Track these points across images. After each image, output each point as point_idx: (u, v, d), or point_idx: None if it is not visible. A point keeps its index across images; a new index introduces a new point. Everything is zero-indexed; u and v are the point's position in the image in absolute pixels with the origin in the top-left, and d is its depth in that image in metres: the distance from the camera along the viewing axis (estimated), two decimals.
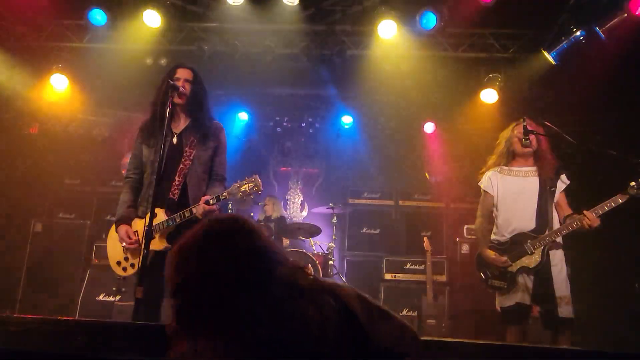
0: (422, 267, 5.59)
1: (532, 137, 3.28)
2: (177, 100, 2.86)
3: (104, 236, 6.19)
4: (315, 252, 6.14)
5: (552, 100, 5.65)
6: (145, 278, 2.82)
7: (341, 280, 6.24)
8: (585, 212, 3.02)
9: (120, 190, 7.04)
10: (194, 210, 2.71)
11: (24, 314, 4.53)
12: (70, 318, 1.28)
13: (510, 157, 3.40)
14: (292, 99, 7.35)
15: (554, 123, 3.53)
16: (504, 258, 3.18)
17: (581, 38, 4.70)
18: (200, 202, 2.71)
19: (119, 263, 2.88)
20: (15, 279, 5.83)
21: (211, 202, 2.69)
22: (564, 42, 4.84)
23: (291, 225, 6.55)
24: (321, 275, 5.52)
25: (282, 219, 6.77)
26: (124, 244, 2.83)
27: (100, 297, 5.62)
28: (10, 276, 5.86)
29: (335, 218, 6.36)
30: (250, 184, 2.64)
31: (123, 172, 6.84)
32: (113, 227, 2.93)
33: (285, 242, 6.59)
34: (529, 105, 5.58)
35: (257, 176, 2.66)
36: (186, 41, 5.73)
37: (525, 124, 3.30)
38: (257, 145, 7.72)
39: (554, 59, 4.97)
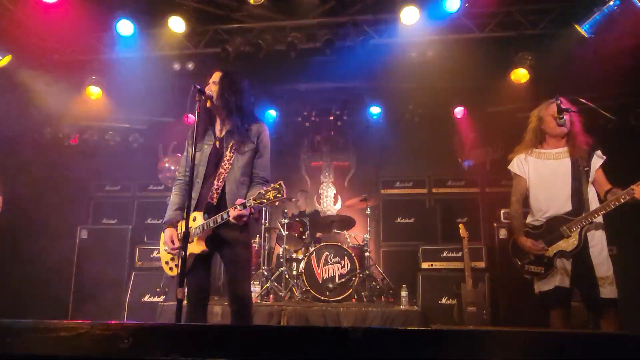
0: (460, 254, 5.52)
1: (566, 115, 3.16)
2: (208, 104, 2.90)
3: (145, 239, 6.42)
4: (350, 244, 6.16)
5: (587, 76, 5.43)
6: (188, 280, 2.92)
7: (378, 271, 6.24)
8: (634, 186, 2.85)
9: (158, 194, 7.32)
10: (230, 213, 2.72)
11: (76, 319, 4.77)
12: (118, 322, 1.36)
13: (542, 139, 3.28)
14: (318, 93, 7.37)
15: (590, 99, 3.39)
16: (541, 245, 3.10)
17: (615, 8, 4.49)
18: (234, 207, 2.72)
19: (167, 263, 2.98)
20: (66, 284, 6.12)
21: (239, 207, 2.68)
22: (597, 14, 4.63)
23: (325, 219, 6.58)
24: (358, 267, 5.53)
25: (315, 213, 6.82)
26: (166, 248, 2.91)
27: (146, 298, 5.83)
28: (61, 282, 6.15)
29: (369, 209, 6.35)
30: (274, 191, 2.61)
31: (159, 176, 7.12)
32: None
33: (320, 235, 6.64)
34: (563, 83, 5.38)
35: (282, 183, 2.61)
36: (211, 44, 5.82)
37: (559, 102, 3.18)
38: (287, 142, 7.78)
39: (586, 32, 4.77)
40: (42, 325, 1.46)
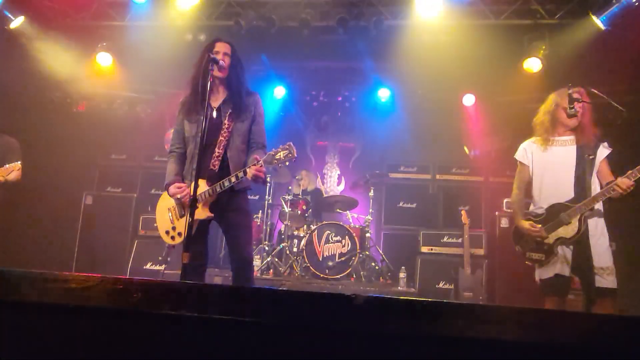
0: (460, 240, 5.57)
1: (578, 106, 3.16)
2: (217, 73, 2.93)
3: (149, 208, 6.47)
4: (352, 225, 6.21)
5: (601, 69, 5.38)
6: (190, 247, 2.98)
7: (378, 252, 6.31)
8: (618, 178, 2.92)
9: (163, 165, 7.32)
10: (247, 171, 2.77)
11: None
12: (128, 277, 1.42)
13: (551, 127, 3.28)
14: (328, 72, 7.33)
15: (602, 92, 3.38)
16: (539, 228, 3.13)
17: (634, 0, 4.44)
18: (251, 166, 2.78)
19: (167, 232, 3.03)
20: (69, 249, 6.21)
21: (258, 164, 2.75)
22: (615, 6, 4.58)
23: (328, 199, 6.62)
24: (358, 247, 5.59)
25: (317, 191, 6.86)
26: (179, 196, 2.93)
27: (148, 266, 5.91)
28: (65, 246, 6.24)
29: (372, 191, 6.38)
30: (284, 152, 2.71)
31: (166, 147, 7.11)
32: (162, 197, 3.07)
33: (323, 214, 6.69)
34: (575, 74, 5.34)
35: (291, 143, 2.71)
36: (224, 16, 5.78)
37: (571, 92, 3.18)
38: (294, 120, 7.77)
39: (603, 24, 4.72)
40: (53, 276, 1.51)
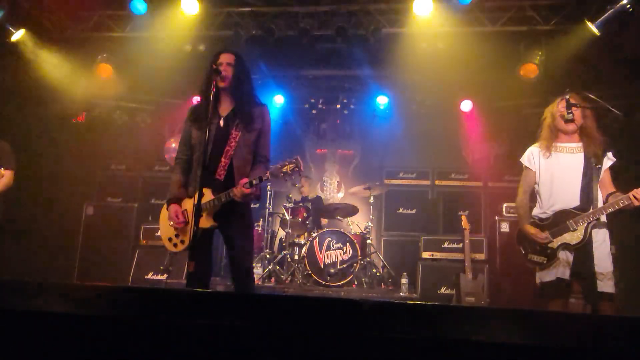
0: (460, 245, 5.58)
1: (576, 111, 3.19)
2: (220, 84, 2.95)
3: (150, 218, 6.48)
4: (353, 232, 6.22)
5: (597, 74, 5.44)
6: (194, 255, 2.99)
7: (379, 258, 6.32)
8: (635, 191, 2.92)
9: (163, 175, 7.36)
10: (234, 192, 2.81)
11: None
12: (136, 286, 1.44)
13: (555, 133, 3.31)
14: (327, 80, 7.39)
15: (598, 97, 3.41)
16: (545, 234, 3.15)
17: (628, 6, 4.49)
18: (239, 185, 2.81)
19: (170, 239, 3.03)
20: (71, 259, 6.20)
21: (253, 182, 2.78)
22: (610, 11, 4.63)
23: (329, 206, 6.64)
24: (359, 254, 5.61)
25: (318, 199, 6.88)
26: (172, 222, 2.97)
27: (149, 276, 5.89)
28: (66, 257, 6.23)
29: (372, 198, 6.40)
30: (291, 165, 2.74)
31: (166, 156, 7.16)
32: (165, 206, 3.07)
33: (324, 222, 6.70)
34: (572, 80, 5.39)
35: (299, 157, 2.75)
36: (223, 26, 5.82)
37: (568, 97, 3.21)
38: (293, 128, 7.81)
39: (597, 30, 4.77)
40: (66, 287, 1.53)
